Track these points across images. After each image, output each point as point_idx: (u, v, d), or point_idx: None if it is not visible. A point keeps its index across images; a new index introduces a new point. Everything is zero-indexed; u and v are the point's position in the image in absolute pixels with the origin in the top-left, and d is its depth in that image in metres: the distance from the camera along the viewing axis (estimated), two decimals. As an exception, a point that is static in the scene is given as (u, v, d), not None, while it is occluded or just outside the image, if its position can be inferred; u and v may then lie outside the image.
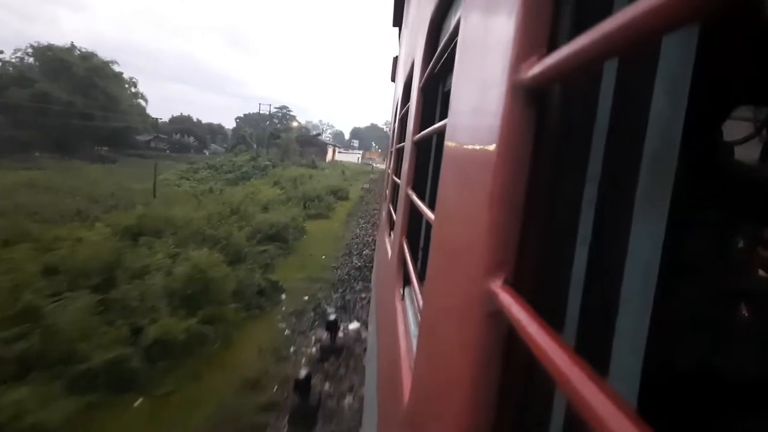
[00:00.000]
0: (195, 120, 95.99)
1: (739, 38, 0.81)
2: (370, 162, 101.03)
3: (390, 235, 3.48)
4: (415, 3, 3.37)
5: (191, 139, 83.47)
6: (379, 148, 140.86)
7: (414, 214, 2.30)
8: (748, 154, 1.15)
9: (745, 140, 1.14)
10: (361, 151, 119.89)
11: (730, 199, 0.97)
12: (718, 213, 0.95)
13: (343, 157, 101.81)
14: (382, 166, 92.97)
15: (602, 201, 0.55)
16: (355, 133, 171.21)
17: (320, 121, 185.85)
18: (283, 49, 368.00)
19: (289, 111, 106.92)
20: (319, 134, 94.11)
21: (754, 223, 0.96)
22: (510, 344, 0.53)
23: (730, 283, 0.97)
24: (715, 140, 1.03)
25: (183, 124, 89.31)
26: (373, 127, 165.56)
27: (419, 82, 2.28)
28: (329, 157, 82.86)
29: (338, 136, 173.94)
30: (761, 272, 0.96)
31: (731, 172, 1.04)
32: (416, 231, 2.39)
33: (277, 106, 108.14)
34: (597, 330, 0.56)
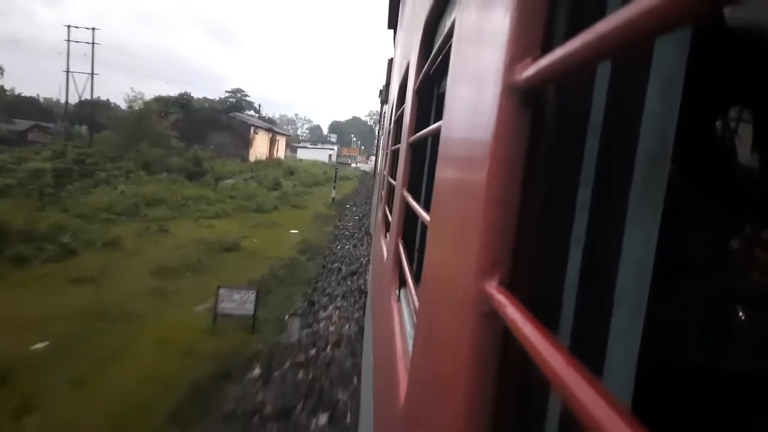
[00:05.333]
0: (113, 105, 61.44)
1: (732, 39, 0.82)
2: (348, 161, 75.88)
3: (386, 236, 3.48)
4: (410, 5, 3.38)
5: (84, 128, 48.66)
6: (362, 144, 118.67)
7: (409, 215, 2.30)
8: (742, 155, 1.16)
9: (739, 141, 1.15)
10: (335, 148, 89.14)
11: (724, 200, 0.98)
12: (712, 214, 0.95)
13: (308, 153, 74.60)
14: (365, 167, 66.06)
15: (596, 202, 0.55)
16: (335, 126, 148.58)
17: (296, 114, 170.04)
18: (266, 44, 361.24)
19: (245, 95, 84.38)
20: (235, 104, 60.89)
21: (749, 225, 0.97)
22: (505, 345, 0.53)
23: (724, 284, 0.97)
24: (708, 142, 1.04)
25: (91, 110, 50.16)
26: (355, 120, 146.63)
27: (414, 84, 2.28)
28: (260, 151, 45.49)
29: (315, 130, 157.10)
30: (756, 273, 0.96)
31: (725, 173, 1.04)
32: (412, 232, 2.39)
33: (230, 89, 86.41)
34: (591, 331, 0.56)
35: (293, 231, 16.19)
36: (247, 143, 43.08)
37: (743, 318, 0.94)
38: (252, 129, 44.40)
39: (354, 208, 23.17)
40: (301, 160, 62.89)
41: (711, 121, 1.05)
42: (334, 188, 26.99)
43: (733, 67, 0.90)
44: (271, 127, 55.19)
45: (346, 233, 16.08)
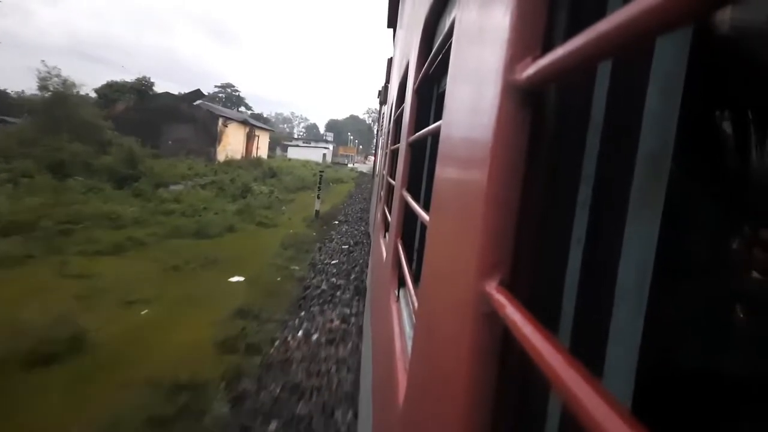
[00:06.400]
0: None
1: (733, 38, 0.82)
2: (345, 161, 74.00)
3: (385, 236, 3.48)
4: (409, 4, 3.38)
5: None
6: (359, 143, 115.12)
7: (409, 215, 2.30)
8: (743, 154, 1.16)
9: (740, 140, 1.15)
10: (331, 147, 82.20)
11: (725, 199, 0.98)
12: (713, 214, 0.95)
13: (299, 152, 70.20)
14: (362, 167, 63.23)
15: (596, 202, 0.55)
16: (332, 125, 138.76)
17: (292, 113, 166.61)
18: (264, 44, 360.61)
19: (235, 90, 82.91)
20: (225, 99, 56.49)
21: (750, 224, 0.97)
22: (505, 345, 0.53)
23: (725, 283, 0.97)
24: (709, 141, 1.04)
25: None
26: (353, 119, 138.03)
27: (414, 84, 2.28)
28: (233, 148, 35.79)
29: (312, 128, 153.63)
30: (756, 273, 0.96)
31: (726, 172, 1.04)
32: (411, 232, 2.39)
33: (219, 84, 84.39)
34: (592, 331, 0.56)
35: (235, 279, 8.56)
36: (215, 138, 32.86)
37: (745, 318, 0.94)
38: (220, 121, 33.46)
39: (344, 227, 15.24)
40: (290, 159, 55.10)
41: (712, 120, 1.05)
42: (318, 197, 18.21)
43: (734, 66, 0.90)
44: (247, 119, 43.43)
45: (325, 287, 8.12)
